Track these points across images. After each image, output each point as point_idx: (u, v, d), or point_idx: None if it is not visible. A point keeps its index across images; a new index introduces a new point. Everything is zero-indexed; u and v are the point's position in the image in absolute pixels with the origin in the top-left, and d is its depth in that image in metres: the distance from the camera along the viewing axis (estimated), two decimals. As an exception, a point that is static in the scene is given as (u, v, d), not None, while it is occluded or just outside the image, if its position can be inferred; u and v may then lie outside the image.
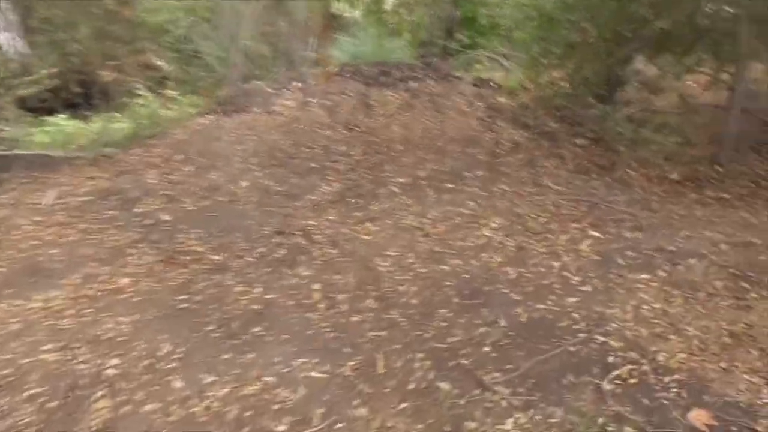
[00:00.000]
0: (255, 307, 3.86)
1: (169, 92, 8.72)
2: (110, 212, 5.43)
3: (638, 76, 9.85)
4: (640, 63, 9.34)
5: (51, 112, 9.43)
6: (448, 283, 4.05)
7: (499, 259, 4.41)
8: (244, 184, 6.01)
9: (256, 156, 6.64)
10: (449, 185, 5.93)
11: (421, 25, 12.07)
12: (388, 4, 11.96)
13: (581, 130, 7.89)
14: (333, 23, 11.59)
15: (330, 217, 5.26)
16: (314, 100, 8.31)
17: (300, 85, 8.90)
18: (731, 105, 6.84)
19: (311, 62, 10.20)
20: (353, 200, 5.61)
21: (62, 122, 8.72)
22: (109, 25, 8.06)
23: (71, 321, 3.73)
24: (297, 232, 4.94)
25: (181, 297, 4.04)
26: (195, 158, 6.61)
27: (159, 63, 11.20)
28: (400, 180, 6.02)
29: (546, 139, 7.48)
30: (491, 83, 9.45)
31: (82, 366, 3.27)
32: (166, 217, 5.33)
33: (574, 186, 6.08)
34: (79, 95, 10.29)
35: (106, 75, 7.64)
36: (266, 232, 5.01)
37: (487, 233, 4.87)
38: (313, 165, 6.44)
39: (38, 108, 9.52)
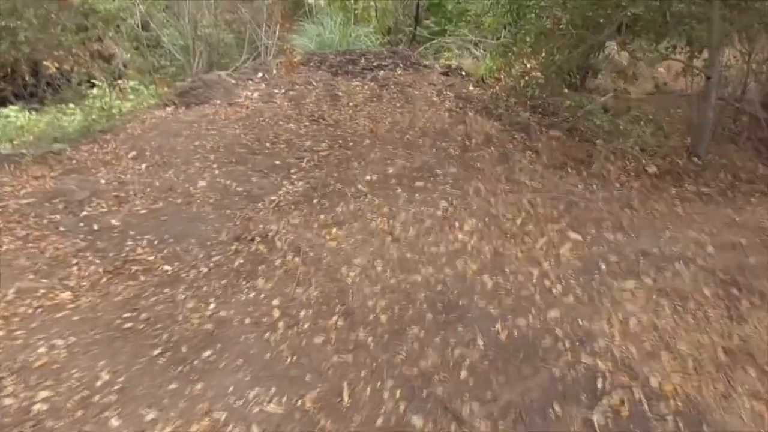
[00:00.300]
0: (207, 326, 3.49)
1: (126, 82, 8.22)
2: (54, 216, 4.99)
3: (611, 65, 9.65)
4: (612, 50, 9.12)
5: (2, 103, 8.88)
6: (420, 295, 3.71)
7: (475, 267, 4.08)
8: (202, 183, 5.60)
9: (215, 152, 6.23)
10: (420, 183, 5.59)
11: (388, 11, 11.71)
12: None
13: (555, 120, 7.62)
14: (296, 10, 11.18)
15: (293, 221, 4.88)
16: (278, 91, 7.93)
17: (264, 75, 8.51)
18: (706, 93, 6.59)
19: (275, 51, 9.79)
20: (318, 201, 5.23)
21: (12, 114, 8.19)
22: (53, 12, 7.53)
23: (-1, 346, 3.34)
24: (257, 238, 4.56)
25: (126, 315, 3.66)
26: (150, 155, 6.18)
27: (114, 52, 10.67)
28: (368, 178, 5.66)
29: (519, 130, 7.19)
30: (461, 72, 9.17)
31: (7, 401, 2.91)
32: (115, 222, 4.91)
33: (551, 182, 5.79)
34: (30, 86, 9.76)
35: (49, 66, 7.12)
36: (223, 238, 4.63)
37: (461, 237, 4.54)
38: (276, 162, 6.05)
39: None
